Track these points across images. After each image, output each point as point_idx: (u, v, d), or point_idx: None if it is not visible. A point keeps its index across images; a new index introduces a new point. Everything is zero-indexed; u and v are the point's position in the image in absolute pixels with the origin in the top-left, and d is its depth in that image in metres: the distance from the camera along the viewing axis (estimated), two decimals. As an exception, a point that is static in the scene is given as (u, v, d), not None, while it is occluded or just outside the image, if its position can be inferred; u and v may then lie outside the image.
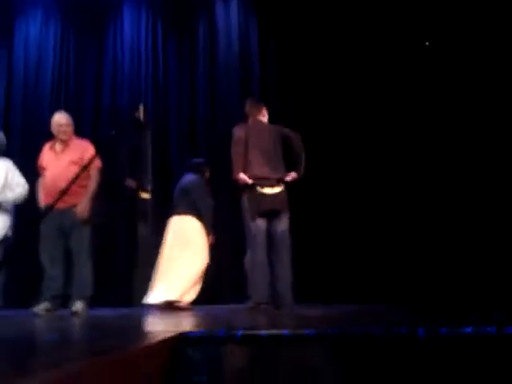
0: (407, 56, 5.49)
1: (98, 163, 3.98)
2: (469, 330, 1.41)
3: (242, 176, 3.65)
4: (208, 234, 4.35)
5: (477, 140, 4.98)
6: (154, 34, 6.47)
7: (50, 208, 2.84)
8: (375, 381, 1.46)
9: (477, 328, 1.41)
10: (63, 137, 3.99)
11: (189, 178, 4.52)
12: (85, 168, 3.65)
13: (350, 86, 5.73)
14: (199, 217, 4.34)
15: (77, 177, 3.30)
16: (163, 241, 4.39)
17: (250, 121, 3.93)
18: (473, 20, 5.09)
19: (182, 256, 4.21)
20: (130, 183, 4.85)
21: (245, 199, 3.71)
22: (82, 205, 3.83)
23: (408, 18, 5.53)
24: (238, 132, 3.78)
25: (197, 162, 4.69)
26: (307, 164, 3.88)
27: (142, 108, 3.35)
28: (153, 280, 4.25)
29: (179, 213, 4.38)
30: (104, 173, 4.07)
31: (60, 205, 3.69)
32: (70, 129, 4.05)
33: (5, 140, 4.27)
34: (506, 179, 4.74)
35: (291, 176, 3.78)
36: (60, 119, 4.03)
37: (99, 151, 3.98)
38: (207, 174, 4.67)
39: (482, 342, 1.40)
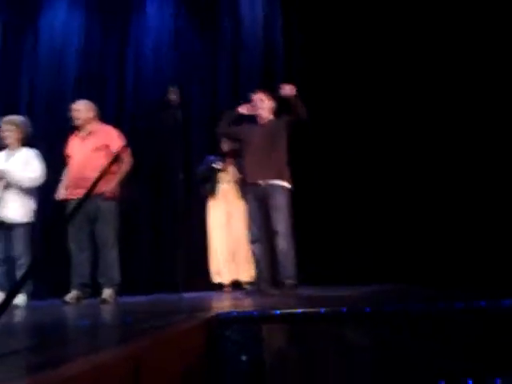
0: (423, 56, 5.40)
1: (126, 149, 3.97)
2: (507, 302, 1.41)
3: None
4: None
5: (478, 136, 4.93)
6: (177, 24, 6.47)
7: (80, 204, 2.86)
8: (408, 356, 1.47)
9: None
10: (76, 121, 4.04)
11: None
12: (116, 158, 3.69)
13: (374, 84, 5.64)
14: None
15: (107, 168, 3.32)
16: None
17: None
18: (475, 21, 5.01)
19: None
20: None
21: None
22: (111, 185, 3.85)
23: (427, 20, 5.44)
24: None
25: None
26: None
27: (172, 90, 3.34)
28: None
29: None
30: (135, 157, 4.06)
31: (85, 192, 3.75)
32: (83, 113, 4.05)
33: (31, 128, 4.31)
34: (504, 173, 4.69)
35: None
36: (73, 105, 4.10)
37: (127, 138, 4.00)
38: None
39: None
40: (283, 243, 3.53)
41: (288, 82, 4.24)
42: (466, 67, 5.02)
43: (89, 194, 2.04)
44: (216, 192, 4.81)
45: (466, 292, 2.20)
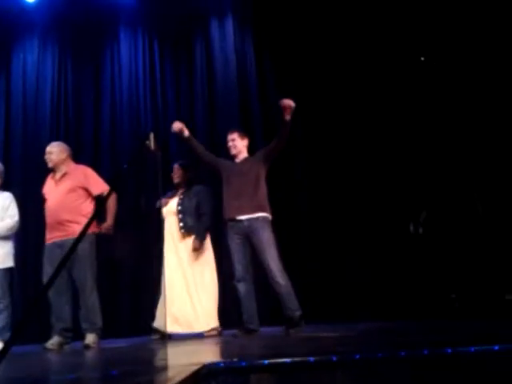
0: (402, 68, 5.59)
1: (106, 188, 3.96)
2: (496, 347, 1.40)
3: None
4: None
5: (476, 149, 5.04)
6: (151, 57, 6.52)
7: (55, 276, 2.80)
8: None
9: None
10: (49, 164, 4.05)
11: None
12: (102, 200, 3.68)
13: (347, 99, 5.83)
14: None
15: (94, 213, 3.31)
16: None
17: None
18: (471, 25, 5.19)
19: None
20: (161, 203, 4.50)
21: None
22: (109, 222, 3.85)
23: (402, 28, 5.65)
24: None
25: None
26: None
27: (152, 136, 3.34)
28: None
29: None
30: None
31: (61, 235, 3.72)
32: (55, 156, 4.04)
33: (3, 170, 4.27)
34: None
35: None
36: (47, 148, 4.10)
37: (110, 184, 3.99)
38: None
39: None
40: (281, 279, 3.53)
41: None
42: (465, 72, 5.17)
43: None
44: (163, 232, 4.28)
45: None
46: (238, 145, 3.99)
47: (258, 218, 3.68)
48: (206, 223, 4.24)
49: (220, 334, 4.08)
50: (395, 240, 5.23)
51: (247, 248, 3.73)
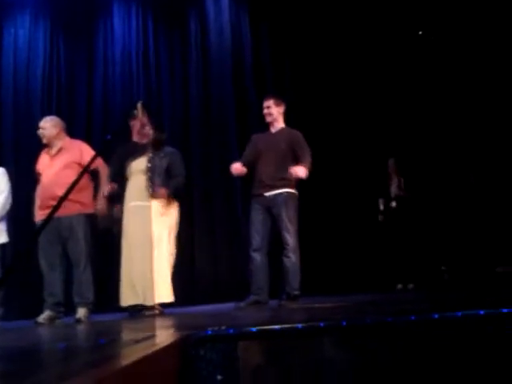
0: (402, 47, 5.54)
1: (100, 161, 3.89)
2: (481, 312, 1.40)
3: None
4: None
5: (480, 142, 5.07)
6: (144, 32, 6.43)
7: (47, 221, 2.76)
8: (387, 371, 1.45)
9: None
10: (43, 140, 3.98)
11: None
12: (85, 170, 3.58)
13: (342, 74, 5.78)
14: None
15: (76, 181, 3.24)
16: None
17: None
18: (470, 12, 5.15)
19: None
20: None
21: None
22: (101, 204, 3.82)
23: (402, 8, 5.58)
24: None
25: None
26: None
27: (140, 106, 3.29)
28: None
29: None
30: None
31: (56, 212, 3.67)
32: (48, 131, 3.97)
33: None
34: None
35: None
36: (40, 123, 4.02)
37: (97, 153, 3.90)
38: None
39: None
40: (293, 256, 3.57)
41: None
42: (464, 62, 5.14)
43: (53, 213, 1.97)
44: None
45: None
46: (274, 112, 3.84)
47: (282, 193, 3.66)
48: (179, 183, 3.96)
49: (161, 313, 3.80)
50: (388, 213, 5.25)
51: (268, 221, 3.70)
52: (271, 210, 3.68)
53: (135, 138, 4.03)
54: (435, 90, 5.19)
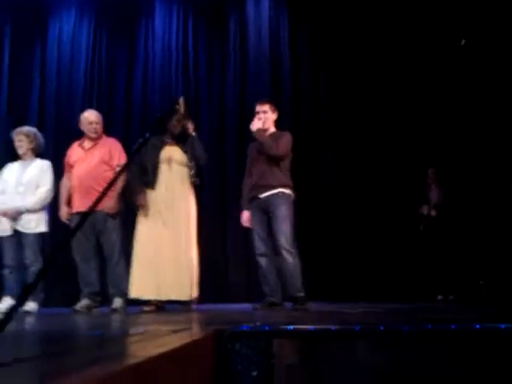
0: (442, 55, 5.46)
1: (123, 159, 3.95)
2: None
3: None
4: None
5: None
6: (184, 31, 6.53)
7: (87, 214, 2.79)
8: (418, 376, 1.44)
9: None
10: (93, 135, 3.98)
11: None
12: (121, 172, 3.62)
13: (380, 77, 5.72)
14: None
15: (115, 178, 3.29)
16: None
17: None
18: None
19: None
20: None
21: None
22: (111, 201, 3.81)
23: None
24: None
25: None
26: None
27: (182, 100, 3.32)
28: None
29: None
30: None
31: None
32: (100, 126, 4.04)
33: (43, 140, 4.31)
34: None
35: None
36: (90, 116, 4.02)
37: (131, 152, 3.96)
38: None
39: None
40: (288, 256, 3.51)
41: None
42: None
43: (93, 209, 2.01)
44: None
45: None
46: (269, 119, 3.80)
47: (277, 194, 3.66)
48: (204, 161, 3.94)
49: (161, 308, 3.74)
50: (428, 221, 5.21)
51: (266, 222, 3.71)
52: (267, 210, 3.68)
53: (173, 129, 3.92)
54: (479, 102, 5.07)
